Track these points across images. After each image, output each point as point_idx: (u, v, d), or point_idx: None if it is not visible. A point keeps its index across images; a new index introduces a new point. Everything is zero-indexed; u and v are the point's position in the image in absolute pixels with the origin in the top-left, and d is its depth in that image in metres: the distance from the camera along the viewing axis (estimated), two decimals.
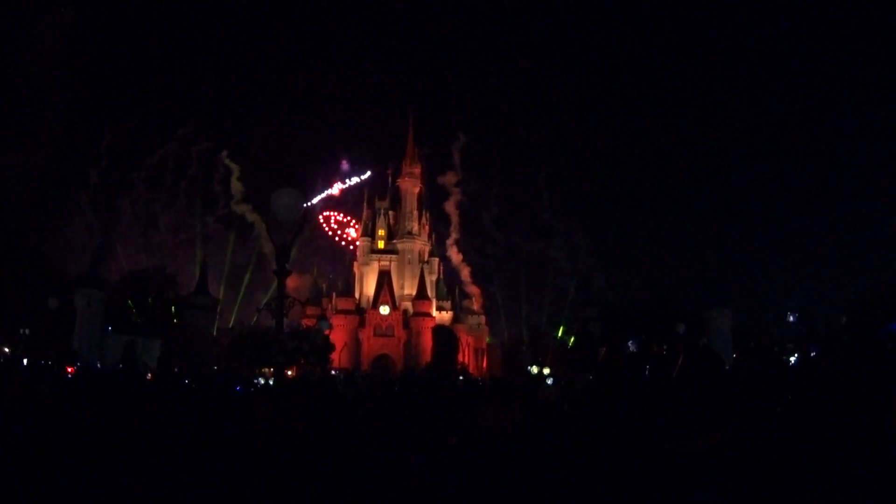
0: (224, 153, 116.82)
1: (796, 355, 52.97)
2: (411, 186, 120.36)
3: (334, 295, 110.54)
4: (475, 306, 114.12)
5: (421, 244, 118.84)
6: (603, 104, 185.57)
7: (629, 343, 62.51)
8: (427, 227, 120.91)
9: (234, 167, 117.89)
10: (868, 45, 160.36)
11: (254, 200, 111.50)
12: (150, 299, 69.61)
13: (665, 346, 65.19)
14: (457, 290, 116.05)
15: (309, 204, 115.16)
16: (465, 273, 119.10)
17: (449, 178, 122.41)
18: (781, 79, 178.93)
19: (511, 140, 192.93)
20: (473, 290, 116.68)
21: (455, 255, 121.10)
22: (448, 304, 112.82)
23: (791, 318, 77.04)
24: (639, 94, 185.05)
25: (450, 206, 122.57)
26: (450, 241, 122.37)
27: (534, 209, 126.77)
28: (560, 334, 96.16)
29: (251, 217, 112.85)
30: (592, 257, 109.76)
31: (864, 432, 4.65)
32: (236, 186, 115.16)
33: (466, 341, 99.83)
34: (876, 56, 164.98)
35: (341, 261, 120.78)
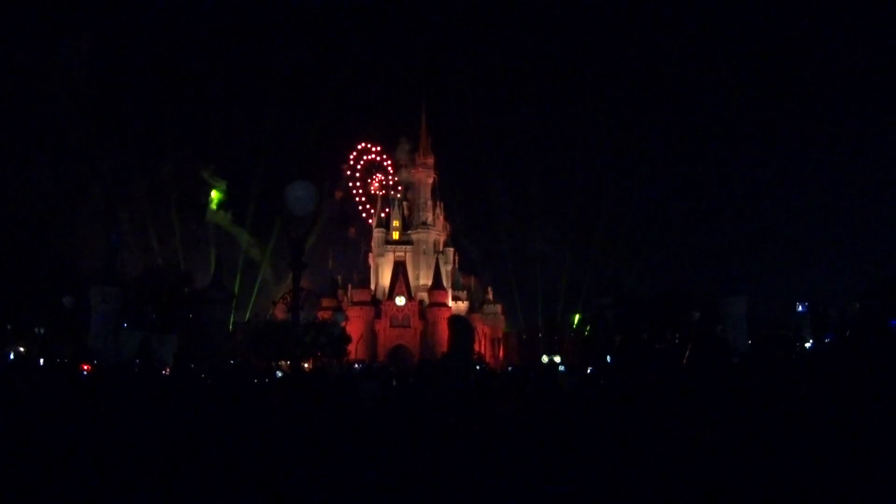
0: (211, 168, 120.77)
1: (811, 342, 52.82)
2: (425, 177, 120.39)
3: (350, 286, 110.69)
4: (490, 295, 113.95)
5: (436, 234, 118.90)
6: (619, 94, 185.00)
7: (643, 333, 62.44)
8: (441, 218, 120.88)
9: (220, 182, 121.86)
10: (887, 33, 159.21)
11: (233, 211, 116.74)
12: (165, 295, 69.75)
13: (677, 335, 65.00)
14: (472, 280, 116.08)
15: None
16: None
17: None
18: (796, 70, 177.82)
19: (524, 126, 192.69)
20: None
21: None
22: (464, 293, 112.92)
23: (800, 308, 76.88)
24: (654, 84, 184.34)
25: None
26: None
27: (549, 197, 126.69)
28: (576, 323, 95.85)
29: (232, 228, 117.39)
30: (607, 245, 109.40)
31: (873, 420, 4.61)
32: (217, 197, 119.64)
33: (483, 331, 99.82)
34: (889, 47, 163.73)
35: (356, 252, 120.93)
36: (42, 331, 54.27)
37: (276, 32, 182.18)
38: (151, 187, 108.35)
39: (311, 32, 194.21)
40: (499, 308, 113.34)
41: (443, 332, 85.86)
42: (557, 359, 67.04)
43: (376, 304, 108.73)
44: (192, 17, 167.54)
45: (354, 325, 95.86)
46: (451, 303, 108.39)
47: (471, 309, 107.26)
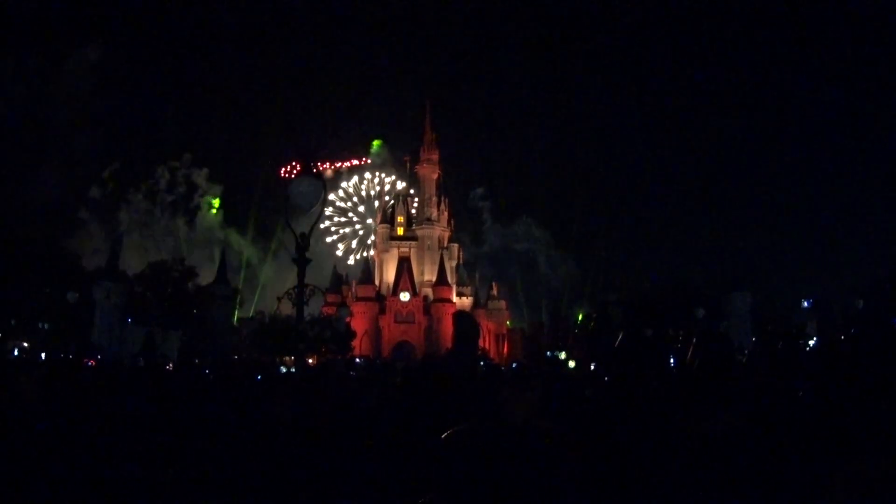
0: (205, 171, 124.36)
1: (815, 339, 52.75)
2: (430, 173, 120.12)
3: (354, 282, 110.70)
4: (495, 291, 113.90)
5: (440, 230, 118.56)
6: (624, 90, 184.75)
7: (647, 329, 62.36)
8: (446, 213, 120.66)
9: (217, 187, 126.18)
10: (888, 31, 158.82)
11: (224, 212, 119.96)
12: (168, 291, 69.92)
13: (681, 332, 64.90)
14: (477, 276, 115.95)
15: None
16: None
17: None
18: (801, 67, 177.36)
19: (533, 122, 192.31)
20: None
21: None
22: (468, 289, 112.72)
23: (805, 304, 76.80)
24: (660, 80, 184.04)
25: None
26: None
27: (553, 193, 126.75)
28: (580, 319, 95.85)
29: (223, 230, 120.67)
30: (612, 241, 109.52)
31: (878, 417, 4.56)
32: (213, 202, 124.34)
33: (487, 327, 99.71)
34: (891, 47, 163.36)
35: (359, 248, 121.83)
36: (46, 326, 54.36)
37: (275, 33, 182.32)
38: (151, 189, 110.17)
39: (311, 33, 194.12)
40: (503, 304, 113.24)
41: (447, 327, 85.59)
42: (563, 355, 66.94)
43: (381, 300, 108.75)
44: (190, 19, 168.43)
45: (359, 321, 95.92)
46: (455, 298, 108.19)
47: (475, 305, 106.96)
